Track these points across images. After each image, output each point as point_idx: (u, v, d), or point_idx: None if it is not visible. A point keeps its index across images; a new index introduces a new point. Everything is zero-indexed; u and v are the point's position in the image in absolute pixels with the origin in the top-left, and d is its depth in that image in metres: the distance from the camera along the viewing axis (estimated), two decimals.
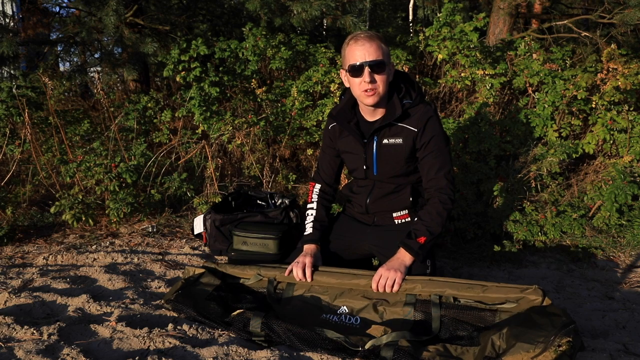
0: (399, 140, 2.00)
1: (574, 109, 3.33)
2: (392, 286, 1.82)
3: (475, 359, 1.59)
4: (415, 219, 2.00)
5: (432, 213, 1.94)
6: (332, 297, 1.91)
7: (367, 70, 1.88)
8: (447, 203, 1.95)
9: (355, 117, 2.10)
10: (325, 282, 1.93)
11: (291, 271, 1.97)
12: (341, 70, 2.03)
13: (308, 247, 2.07)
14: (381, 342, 1.64)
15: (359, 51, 1.88)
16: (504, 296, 1.70)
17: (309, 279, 1.94)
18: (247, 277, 2.04)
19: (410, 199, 2.07)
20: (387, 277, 1.83)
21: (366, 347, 1.64)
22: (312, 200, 2.23)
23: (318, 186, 2.25)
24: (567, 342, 1.44)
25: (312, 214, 2.18)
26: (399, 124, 2.00)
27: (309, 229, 2.15)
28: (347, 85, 2.03)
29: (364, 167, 2.10)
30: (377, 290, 1.85)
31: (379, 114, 2.04)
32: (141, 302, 2.04)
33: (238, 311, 1.84)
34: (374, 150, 2.05)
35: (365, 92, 1.92)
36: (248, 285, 2.04)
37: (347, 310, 1.87)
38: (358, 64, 1.88)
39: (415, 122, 1.98)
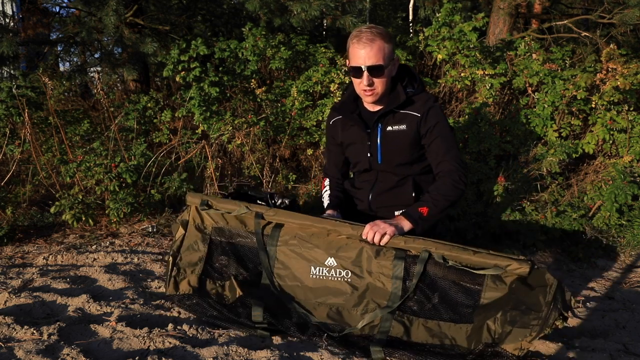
0: (403, 127, 2.03)
1: (573, 109, 3.33)
2: (383, 236, 1.76)
3: (468, 338, 1.64)
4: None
5: (441, 188, 1.92)
6: (320, 249, 1.84)
7: (365, 74, 1.92)
8: (459, 183, 1.92)
9: (358, 108, 2.14)
10: (314, 223, 1.86)
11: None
12: (347, 60, 2.05)
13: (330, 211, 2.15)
14: (357, 330, 1.73)
15: (360, 54, 1.91)
16: (492, 262, 1.69)
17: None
18: (234, 209, 1.94)
19: (413, 194, 2.08)
20: (380, 226, 1.78)
21: (344, 332, 1.73)
22: (325, 188, 2.29)
23: (328, 180, 2.31)
24: (560, 318, 1.52)
25: (327, 194, 2.25)
26: (402, 111, 2.03)
27: (326, 202, 2.22)
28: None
29: (368, 156, 2.11)
30: (366, 237, 1.78)
31: (382, 105, 2.08)
32: (141, 302, 2.04)
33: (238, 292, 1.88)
34: (378, 138, 2.07)
35: (364, 91, 1.99)
36: (236, 217, 1.95)
37: (335, 263, 1.82)
38: (357, 67, 1.92)
39: (418, 107, 2.01)
